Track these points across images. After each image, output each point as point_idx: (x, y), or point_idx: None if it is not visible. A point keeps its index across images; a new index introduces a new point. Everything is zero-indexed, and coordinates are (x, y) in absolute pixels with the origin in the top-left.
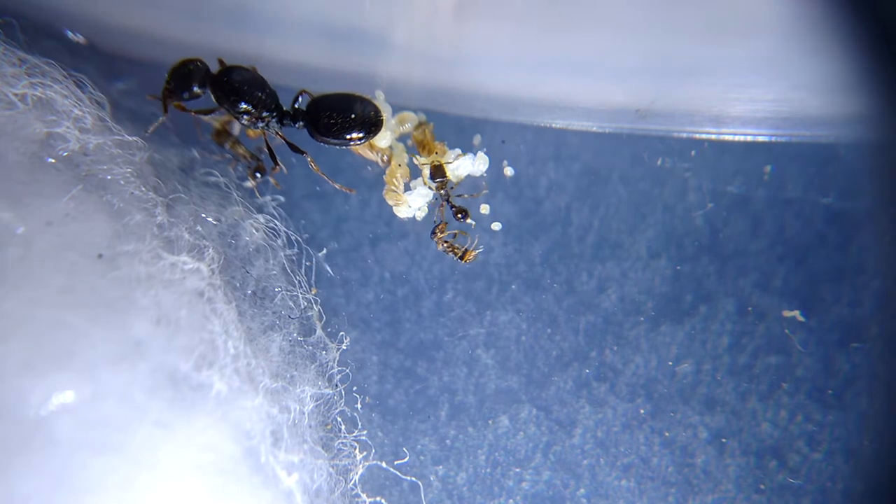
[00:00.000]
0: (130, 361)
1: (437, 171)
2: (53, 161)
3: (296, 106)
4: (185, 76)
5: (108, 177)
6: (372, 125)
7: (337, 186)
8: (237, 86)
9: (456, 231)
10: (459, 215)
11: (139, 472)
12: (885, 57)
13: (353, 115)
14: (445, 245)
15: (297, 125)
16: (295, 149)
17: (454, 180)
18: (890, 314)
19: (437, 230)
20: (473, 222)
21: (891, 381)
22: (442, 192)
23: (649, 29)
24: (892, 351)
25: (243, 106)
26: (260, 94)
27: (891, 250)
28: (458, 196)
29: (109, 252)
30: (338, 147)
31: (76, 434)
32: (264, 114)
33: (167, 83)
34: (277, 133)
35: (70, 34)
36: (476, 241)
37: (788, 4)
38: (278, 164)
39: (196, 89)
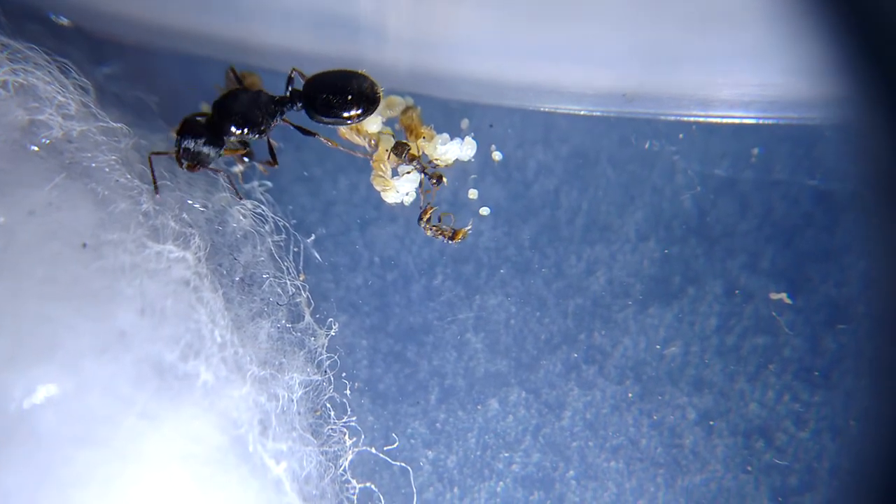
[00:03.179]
0: (115, 352)
1: (398, 149)
2: (36, 149)
3: (291, 87)
4: (190, 150)
5: (93, 164)
6: (370, 101)
7: (345, 150)
8: (230, 124)
9: (441, 213)
10: (434, 181)
11: (125, 465)
12: (866, 41)
13: (349, 93)
14: (434, 229)
15: (295, 107)
16: (306, 132)
17: (442, 164)
18: (876, 294)
19: (424, 215)
20: (447, 180)
21: (877, 360)
22: (414, 163)
23: (635, 17)
24: (878, 331)
25: (239, 132)
26: (254, 116)
27: (877, 231)
28: (435, 167)
29: (93, 241)
30: (331, 125)
31: (60, 427)
32: (262, 127)
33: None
34: (285, 121)
35: (54, 17)
36: (462, 220)
37: None
38: (276, 162)
39: (208, 151)
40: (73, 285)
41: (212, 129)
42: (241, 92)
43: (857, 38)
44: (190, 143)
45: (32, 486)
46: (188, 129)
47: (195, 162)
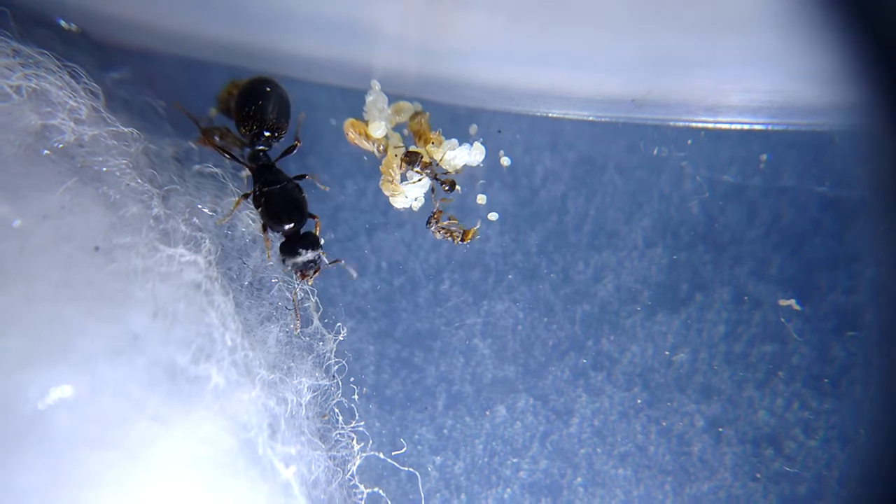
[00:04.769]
0: (127, 355)
1: (411, 157)
2: (48, 153)
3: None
4: (305, 263)
5: (104, 168)
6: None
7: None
8: (293, 223)
9: (450, 215)
10: (446, 187)
11: (136, 467)
12: (876, 48)
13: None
14: (443, 231)
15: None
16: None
17: (451, 169)
18: (885, 302)
19: (433, 219)
20: (460, 188)
21: (886, 368)
22: (427, 171)
23: (643, 23)
24: (887, 339)
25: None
26: (298, 203)
27: (886, 238)
28: (446, 174)
29: (106, 245)
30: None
31: (73, 428)
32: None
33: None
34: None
35: (63, 23)
36: (470, 225)
37: (781, 1)
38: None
39: (312, 253)
40: (86, 288)
41: (297, 242)
42: (275, 201)
43: (866, 44)
44: (301, 259)
45: (45, 487)
46: (287, 254)
47: (318, 265)
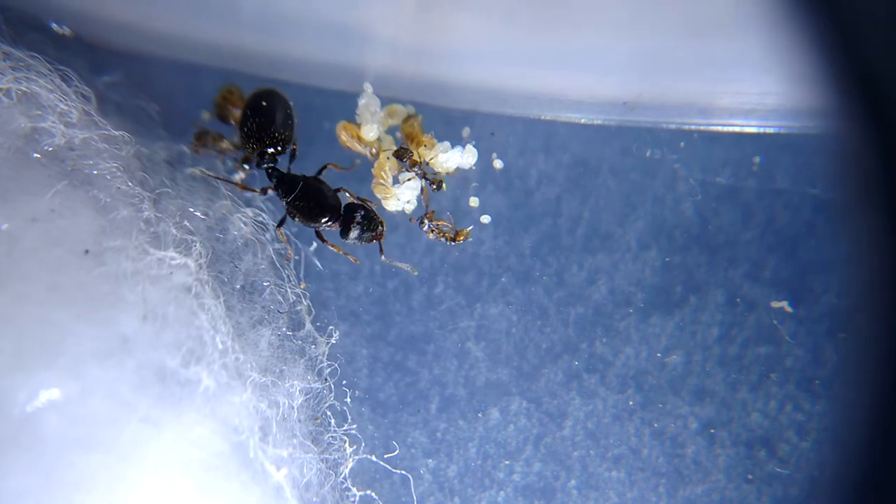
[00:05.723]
0: (117, 358)
1: (401, 153)
2: (38, 156)
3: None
4: (361, 230)
5: (94, 172)
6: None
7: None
8: (330, 210)
9: (440, 220)
10: (435, 186)
11: (127, 469)
12: (858, 53)
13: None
14: (436, 231)
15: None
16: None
17: (443, 172)
18: (877, 304)
19: (426, 219)
20: (446, 187)
21: (879, 370)
22: (416, 168)
23: (635, 26)
24: (871, 343)
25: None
26: (323, 198)
27: (878, 240)
28: (435, 174)
29: (96, 248)
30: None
31: (64, 431)
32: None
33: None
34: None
35: (55, 26)
36: (463, 226)
37: (767, 4)
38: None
39: (368, 221)
40: (76, 291)
41: (346, 220)
42: (303, 205)
43: (838, 46)
44: (359, 228)
45: (36, 490)
46: (349, 234)
47: (373, 216)
